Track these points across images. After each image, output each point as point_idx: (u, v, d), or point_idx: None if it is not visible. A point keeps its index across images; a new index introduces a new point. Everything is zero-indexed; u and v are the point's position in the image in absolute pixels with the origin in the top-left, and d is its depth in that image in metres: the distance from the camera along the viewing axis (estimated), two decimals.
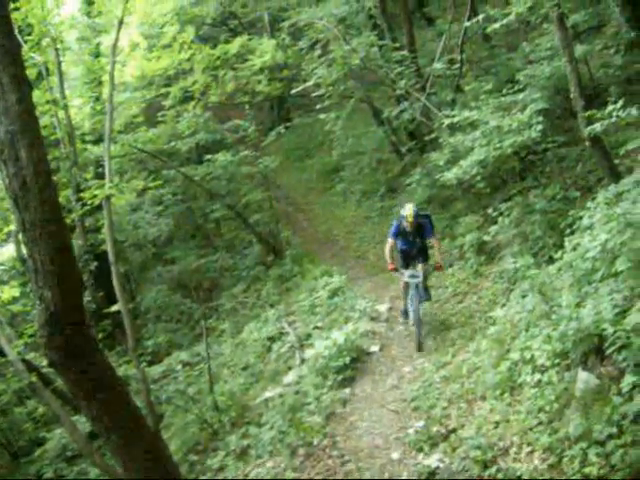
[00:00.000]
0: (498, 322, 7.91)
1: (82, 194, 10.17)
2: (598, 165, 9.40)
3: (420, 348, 9.17)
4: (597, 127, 7.81)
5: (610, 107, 7.49)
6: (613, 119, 7.44)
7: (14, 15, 8.83)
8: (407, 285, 9.74)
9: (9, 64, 4.25)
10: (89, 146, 14.97)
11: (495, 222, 10.27)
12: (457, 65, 13.49)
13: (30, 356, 11.43)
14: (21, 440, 12.85)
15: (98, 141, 14.91)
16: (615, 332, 5.30)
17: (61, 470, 10.69)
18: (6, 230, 11.49)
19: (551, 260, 8.18)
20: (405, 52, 14.29)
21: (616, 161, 8.82)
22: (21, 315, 13.40)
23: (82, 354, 4.60)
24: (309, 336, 10.92)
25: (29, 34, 11.09)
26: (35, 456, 11.36)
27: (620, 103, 7.33)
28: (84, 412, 5.11)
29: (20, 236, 9.75)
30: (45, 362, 10.16)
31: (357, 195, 17.90)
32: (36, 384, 7.85)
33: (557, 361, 6.12)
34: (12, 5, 8.75)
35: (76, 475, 10.40)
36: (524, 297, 7.63)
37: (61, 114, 13.09)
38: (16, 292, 10.51)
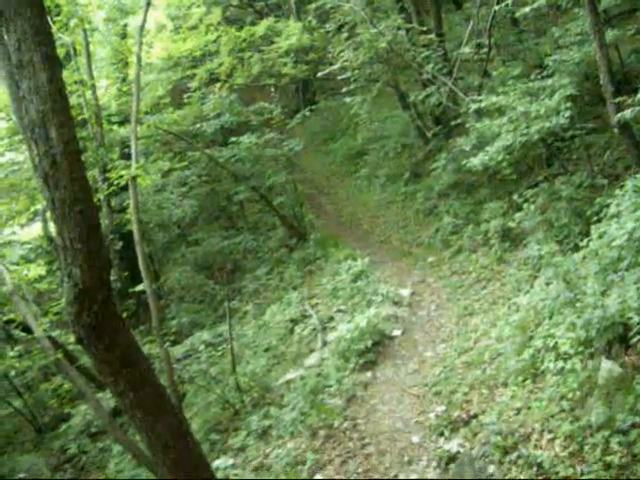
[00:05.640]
0: (521, 309, 7.89)
1: (108, 174, 10.27)
2: (627, 152, 9.28)
3: None
4: (627, 114, 7.69)
5: None
6: None
7: None
8: None
9: (41, 44, 4.27)
10: (115, 127, 15.06)
11: (520, 209, 10.19)
12: (485, 49, 13.30)
13: (56, 333, 11.62)
14: (46, 416, 13.11)
15: (124, 122, 15.00)
16: None
17: (85, 446, 10.90)
18: (33, 209, 11.64)
19: (576, 248, 8.14)
20: (432, 36, 14.16)
21: None
22: (47, 293, 13.58)
23: (109, 331, 4.65)
24: (331, 319, 10.98)
25: (58, 14, 11.16)
26: (60, 431, 11.60)
27: None
28: (110, 388, 5.19)
29: (48, 214, 9.85)
30: (70, 339, 10.38)
31: (381, 179, 17.81)
32: (61, 361, 7.96)
33: (581, 349, 6.10)
34: None
35: (99, 451, 10.61)
36: (548, 284, 7.59)
37: (88, 94, 13.16)
38: (42, 270, 10.66)
